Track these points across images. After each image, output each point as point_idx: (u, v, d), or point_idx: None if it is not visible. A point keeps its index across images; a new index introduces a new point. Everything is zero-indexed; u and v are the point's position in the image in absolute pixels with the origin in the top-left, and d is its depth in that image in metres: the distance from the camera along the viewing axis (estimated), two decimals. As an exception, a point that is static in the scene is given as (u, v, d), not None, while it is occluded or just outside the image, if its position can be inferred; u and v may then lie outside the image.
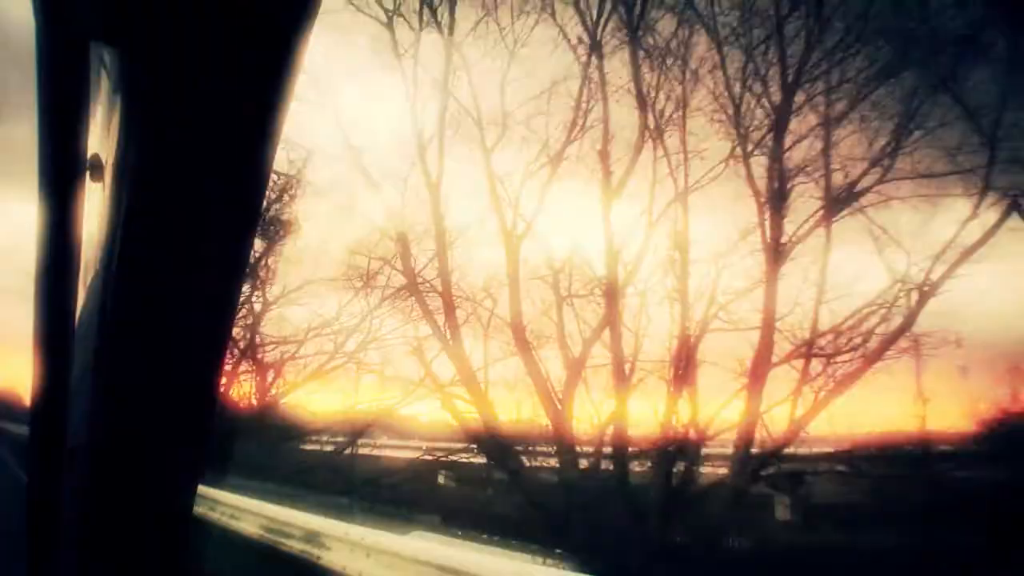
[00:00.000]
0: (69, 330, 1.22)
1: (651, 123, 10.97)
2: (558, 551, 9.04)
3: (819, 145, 10.23)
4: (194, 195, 1.21)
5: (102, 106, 1.26)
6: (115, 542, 1.35)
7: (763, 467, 10.27)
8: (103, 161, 1.25)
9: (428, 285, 12.49)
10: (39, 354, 1.21)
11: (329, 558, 6.67)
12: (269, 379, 17.91)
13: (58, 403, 1.25)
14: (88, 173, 1.20)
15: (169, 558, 1.38)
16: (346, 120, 12.10)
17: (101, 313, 1.23)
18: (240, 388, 17.39)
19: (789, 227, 10.24)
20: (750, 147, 10.51)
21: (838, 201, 10.11)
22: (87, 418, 1.27)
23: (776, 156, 10.32)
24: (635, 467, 10.88)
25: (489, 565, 5.35)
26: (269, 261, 15.43)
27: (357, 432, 15.19)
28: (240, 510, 8.94)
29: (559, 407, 11.29)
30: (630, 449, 10.90)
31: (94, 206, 1.24)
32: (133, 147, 1.16)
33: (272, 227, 14.04)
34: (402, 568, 5.69)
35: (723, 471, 10.49)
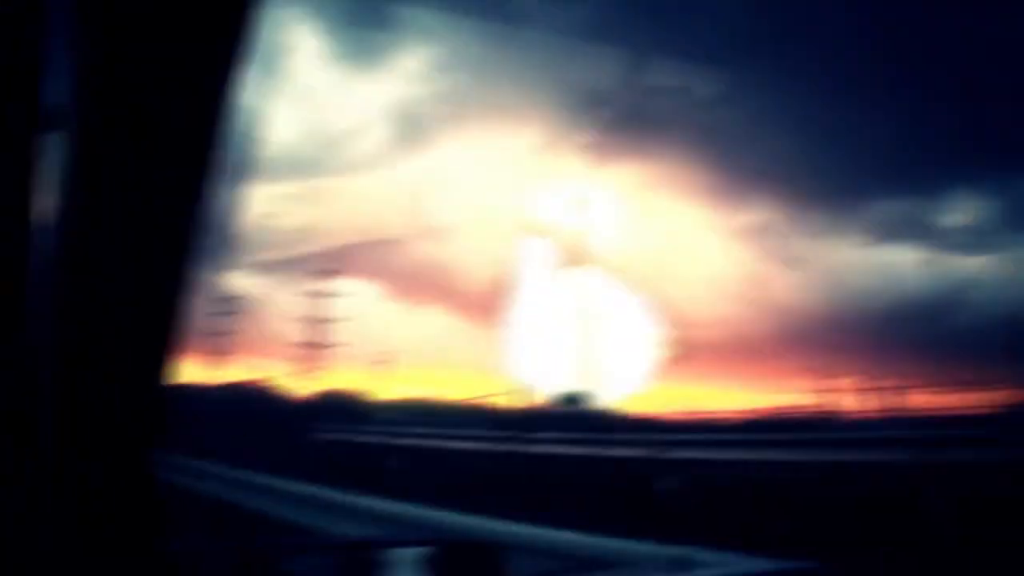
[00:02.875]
0: (22, 283, 1.19)
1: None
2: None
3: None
4: (148, 149, 1.18)
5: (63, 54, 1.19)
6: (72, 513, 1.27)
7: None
8: (61, 111, 1.20)
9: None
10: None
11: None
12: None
13: (11, 367, 1.20)
14: (46, 124, 1.15)
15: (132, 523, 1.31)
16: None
17: (55, 268, 1.21)
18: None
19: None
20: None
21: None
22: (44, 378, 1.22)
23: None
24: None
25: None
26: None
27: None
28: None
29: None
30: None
31: (52, 159, 1.19)
32: (88, 98, 1.14)
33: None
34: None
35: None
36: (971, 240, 22.08)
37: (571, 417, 19.44)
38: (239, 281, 24.59)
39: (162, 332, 1.28)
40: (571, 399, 21.01)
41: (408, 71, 23.15)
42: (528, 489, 12.31)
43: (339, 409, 23.47)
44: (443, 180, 23.56)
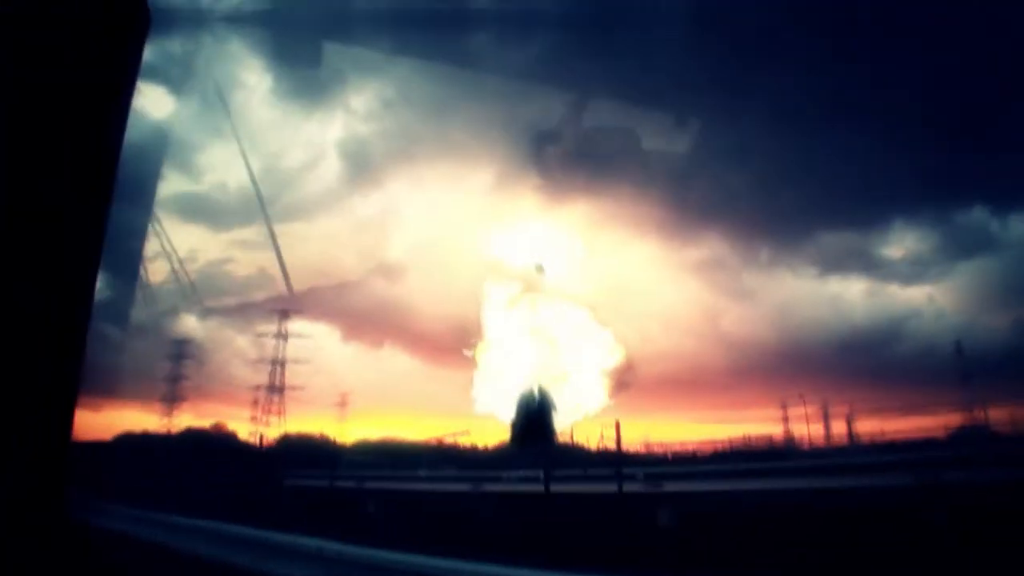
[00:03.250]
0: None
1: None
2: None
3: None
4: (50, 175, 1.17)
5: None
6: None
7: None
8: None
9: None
10: None
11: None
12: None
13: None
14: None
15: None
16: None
17: None
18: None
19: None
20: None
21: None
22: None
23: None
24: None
25: None
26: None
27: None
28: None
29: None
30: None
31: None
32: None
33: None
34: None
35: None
36: (911, 271, 23.20)
37: (535, 454, 19.40)
38: (192, 326, 24.01)
39: (65, 376, 1.25)
40: (528, 428, 21.07)
41: (356, 109, 23.13)
42: (502, 527, 12.21)
43: (304, 454, 22.85)
44: (396, 219, 23.66)
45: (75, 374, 1.28)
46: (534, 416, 21.91)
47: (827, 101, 17.51)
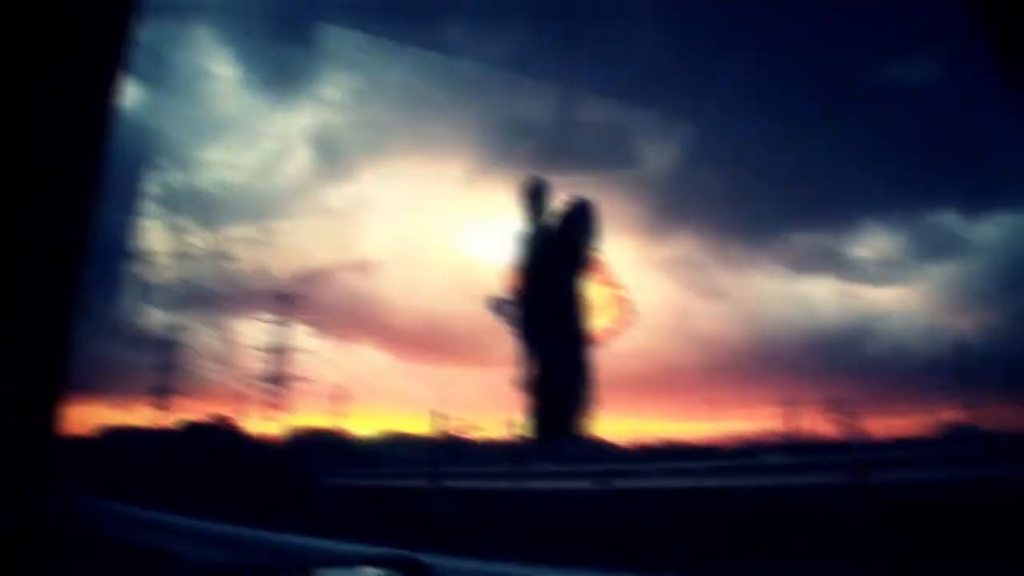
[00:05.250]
0: None
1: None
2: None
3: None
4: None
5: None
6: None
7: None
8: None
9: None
10: None
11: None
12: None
13: None
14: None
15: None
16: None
17: None
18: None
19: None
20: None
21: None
22: None
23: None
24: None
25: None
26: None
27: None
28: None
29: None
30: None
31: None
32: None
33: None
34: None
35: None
36: (881, 272, 23.78)
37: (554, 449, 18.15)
38: (175, 320, 23.54)
39: (52, 372, 1.28)
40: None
41: (328, 99, 23.09)
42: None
43: (326, 449, 21.59)
44: (370, 212, 23.50)
45: (61, 370, 1.28)
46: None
47: (802, 100, 18.28)
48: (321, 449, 22.10)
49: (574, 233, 10.12)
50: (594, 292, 9.82)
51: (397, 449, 22.51)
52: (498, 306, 9.93)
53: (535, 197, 10.50)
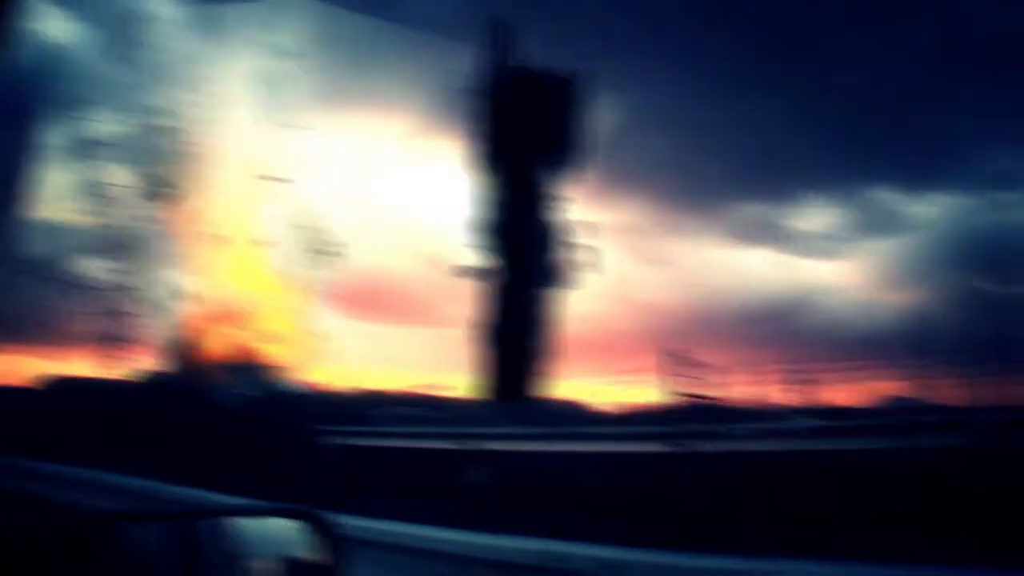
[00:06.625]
0: None
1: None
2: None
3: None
4: None
5: None
6: None
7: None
8: None
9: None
10: None
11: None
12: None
13: None
14: None
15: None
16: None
17: None
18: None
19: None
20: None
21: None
22: None
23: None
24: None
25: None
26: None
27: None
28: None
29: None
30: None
31: None
32: None
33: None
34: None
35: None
36: (821, 245, 23.93)
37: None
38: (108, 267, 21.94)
39: None
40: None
41: (275, 47, 22.20)
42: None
43: (316, 405, 20.94)
44: (317, 166, 22.72)
45: None
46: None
47: (753, 69, 18.05)
48: (309, 405, 20.34)
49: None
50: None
51: (400, 406, 21.30)
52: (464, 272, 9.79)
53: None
